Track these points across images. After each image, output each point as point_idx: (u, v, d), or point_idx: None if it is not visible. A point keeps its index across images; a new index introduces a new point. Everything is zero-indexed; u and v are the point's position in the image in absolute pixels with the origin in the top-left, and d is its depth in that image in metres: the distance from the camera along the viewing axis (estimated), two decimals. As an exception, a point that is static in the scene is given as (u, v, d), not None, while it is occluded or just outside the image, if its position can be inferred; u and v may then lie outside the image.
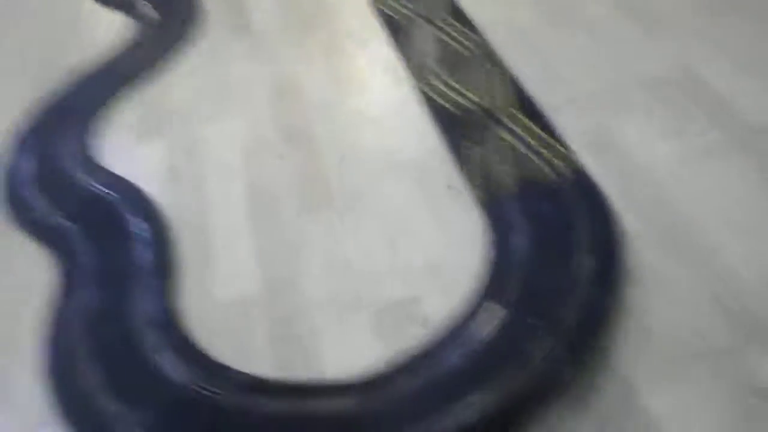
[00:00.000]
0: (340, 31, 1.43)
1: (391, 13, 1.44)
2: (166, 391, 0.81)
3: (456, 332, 0.80)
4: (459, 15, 1.39)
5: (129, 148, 1.24)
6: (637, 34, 1.23)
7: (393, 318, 0.84)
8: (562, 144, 1.02)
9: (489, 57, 1.23)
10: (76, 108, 1.35)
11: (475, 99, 1.16)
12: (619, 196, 0.92)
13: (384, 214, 0.99)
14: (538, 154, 1.01)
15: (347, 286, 0.89)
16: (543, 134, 1.04)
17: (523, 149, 1.03)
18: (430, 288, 0.86)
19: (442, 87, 1.20)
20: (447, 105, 1.15)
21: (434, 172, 1.04)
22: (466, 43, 1.30)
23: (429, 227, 0.95)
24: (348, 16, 1.46)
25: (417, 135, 1.12)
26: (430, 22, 1.38)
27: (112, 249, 1.00)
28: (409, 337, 0.80)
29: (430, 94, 1.18)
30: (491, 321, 0.79)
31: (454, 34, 1.34)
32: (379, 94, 1.26)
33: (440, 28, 1.35)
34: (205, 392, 0.79)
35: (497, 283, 0.84)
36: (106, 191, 1.12)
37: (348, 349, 0.82)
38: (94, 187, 1.13)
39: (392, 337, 0.81)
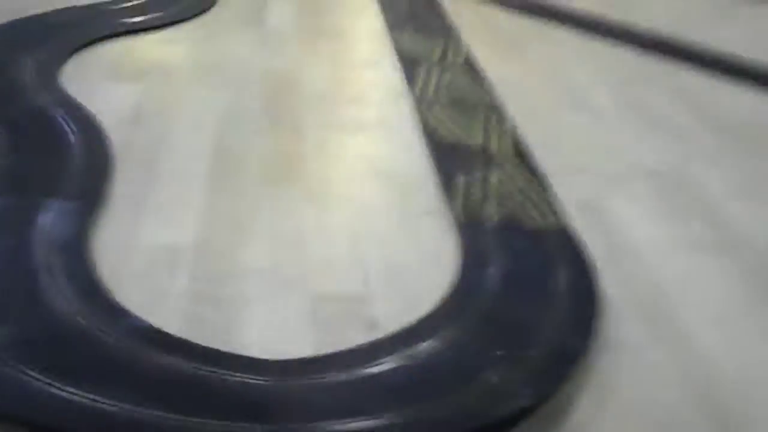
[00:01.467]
0: (350, 47, 1.40)
1: (403, 47, 1.41)
2: (42, 314, 0.67)
3: (402, 342, 0.69)
4: (471, 64, 1.37)
5: (99, 83, 1.14)
6: (639, 128, 1.21)
7: (336, 310, 0.73)
8: (553, 199, 0.96)
9: (494, 108, 1.19)
10: (60, 33, 1.26)
11: (473, 136, 1.11)
12: (603, 261, 0.85)
13: (354, 210, 0.90)
14: (527, 198, 0.95)
15: (293, 264, 0.78)
16: (535, 185, 0.98)
17: (512, 190, 0.97)
18: (386, 294, 0.76)
19: (442, 117, 1.15)
20: (443, 133, 1.09)
21: (415, 188, 0.96)
22: (475, 89, 1.27)
23: (398, 236, 0.86)
24: (361, 37, 1.43)
25: (406, 151, 1.05)
26: (441, 63, 1.35)
27: (39, 160, 0.88)
28: (348, 335, 0.69)
29: (429, 119, 1.13)
30: (443, 340, 0.69)
31: (465, 79, 1.31)
32: (376, 104, 1.20)
33: (451, 72, 1.32)
34: (87, 328, 0.66)
35: (459, 306, 0.74)
36: (56, 108, 1.00)
37: (274, 327, 0.70)
38: (46, 102, 1.02)
39: (329, 330, 0.70)
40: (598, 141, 1.16)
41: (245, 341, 0.67)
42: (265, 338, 0.68)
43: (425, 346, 0.68)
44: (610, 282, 0.81)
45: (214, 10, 1.51)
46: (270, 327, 0.70)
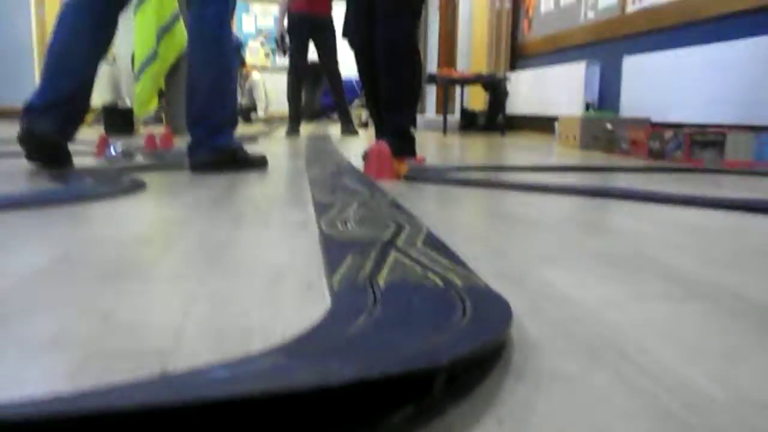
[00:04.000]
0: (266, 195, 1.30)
1: (324, 199, 1.32)
2: None
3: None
4: (396, 205, 1.26)
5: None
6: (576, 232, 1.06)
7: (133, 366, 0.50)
8: (466, 269, 0.77)
9: (410, 219, 1.05)
10: None
11: (378, 234, 0.95)
12: (526, 310, 0.63)
13: (217, 273, 0.70)
14: (429, 269, 0.75)
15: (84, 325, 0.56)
16: (445, 261, 0.80)
17: (411, 263, 0.78)
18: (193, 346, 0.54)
19: (343, 227, 1.00)
20: (344, 239, 0.93)
21: (299, 270, 0.78)
22: (391, 212, 1.14)
23: (259, 298, 0.65)
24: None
25: (296, 250, 0.88)
26: (364, 204, 1.24)
27: None
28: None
29: (330, 232, 0.98)
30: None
31: (384, 208, 1.19)
32: (279, 224, 1.05)
33: (370, 206, 1.21)
34: None
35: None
36: None
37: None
38: None
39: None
40: (524, 240, 1.00)
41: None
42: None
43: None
44: (534, 326, 0.59)
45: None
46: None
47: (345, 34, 2.41)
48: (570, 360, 0.51)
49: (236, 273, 0.77)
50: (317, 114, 8.65)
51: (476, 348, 0.47)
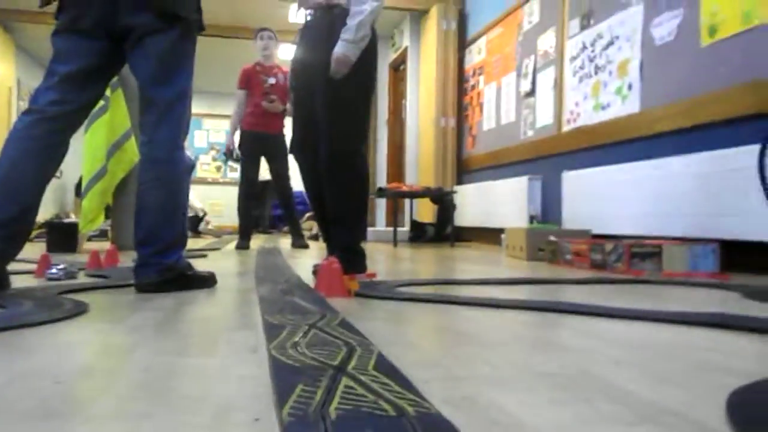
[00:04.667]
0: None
1: (273, 321, 1.30)
2: None
3: None
4: (346, 324, 1.26)
5: None
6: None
7: None
8: (417, 394, 0.76)
9: (364, 346, 1.05)
10: None
11: (328, 359, 0.94)
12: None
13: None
14: (381, 396, 0.75)
15: None
16: (395, 386, 0.79)
17: (363, 390, 0.77)
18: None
19: (293, 351, 0.99)
20: (294, 364, 0.92)
21: (247, 402, 0.76)
22: (342, 335, 1.13)
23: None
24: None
25: (245, 379, 0.86)
26: (313, 327, 1.23)
27: None
28: None
29: (280, 357, 0.96)
30: None
31: (334, 331, 1.18)
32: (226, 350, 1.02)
33: (319, 330, 1.20)
34: None
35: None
36: None
37: None
38: None
39: None
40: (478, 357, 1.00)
41: None
42: None
43: None
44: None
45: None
46: None
47: (291, 150, 2.47)
48: (523, 496, 0.51)
49: (181, 408, 0.74)
50: (267, 228, 8.68)
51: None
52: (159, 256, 1.87)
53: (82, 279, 2.26)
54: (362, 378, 0.84)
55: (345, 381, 0.82)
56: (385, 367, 0.91)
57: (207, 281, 2.02)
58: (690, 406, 0.76)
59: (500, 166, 5.33)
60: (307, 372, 0.87)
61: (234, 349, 1.08)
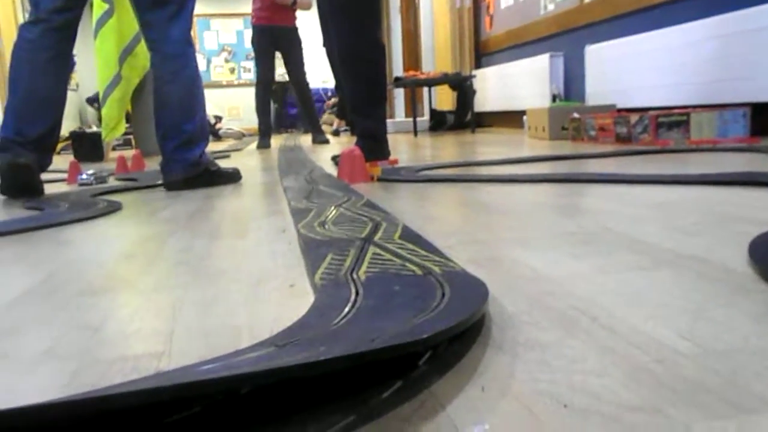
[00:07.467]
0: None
1: (300, 206, 1.34)
2: None
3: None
4: (373, 206, 1.29)
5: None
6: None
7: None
8: (442, 256, 0.79)
9: (389, 220, 1.08)
10: None
11: (355, 233, 0.97)
12: (502, 288, 0.66)
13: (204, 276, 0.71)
14: (407, 260, 0.78)
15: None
16: (422, 251, 0.82)
17: (390, 256, 0.80)
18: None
19: (321, 229, 1.03)
20: (323, 239, 0.95)
21: (280, 272, 0.80)
22: (367, 211, 1.17)
23: (244, 299, 0.67)
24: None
25: (277, 254, 0.90)
26: (339, 207, 1.26)
27: None
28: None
29: (309, 234, 1.00)
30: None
31: (358, 210, 1.21)
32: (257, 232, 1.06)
33: (346, 208, 1.23)
34: None
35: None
36: None
37: None
38: None
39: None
40: (492, 226, 1.03)
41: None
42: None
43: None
44: (510, 302, 0.62)
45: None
46: None
47: (324, 44, 2.47)
48: (545, 330, 0.54)
49: (219, 280, 0.78)
50: (288, 127, 8.65)
51: (456, 323, 0.49)
52: (182, 150, 1.90)
53: (112, 183, 2.32)
54: (389, 246, 0.87)
55: (372, 249, 0.86)
56: (411, 236, 0.94)
57: (232, 177, 2.06)
58: (710, 251, 0.78)
59: (520, 45, 5.16)
60: (336, 243, 0.91)
61: (264, 232, 1.12)
